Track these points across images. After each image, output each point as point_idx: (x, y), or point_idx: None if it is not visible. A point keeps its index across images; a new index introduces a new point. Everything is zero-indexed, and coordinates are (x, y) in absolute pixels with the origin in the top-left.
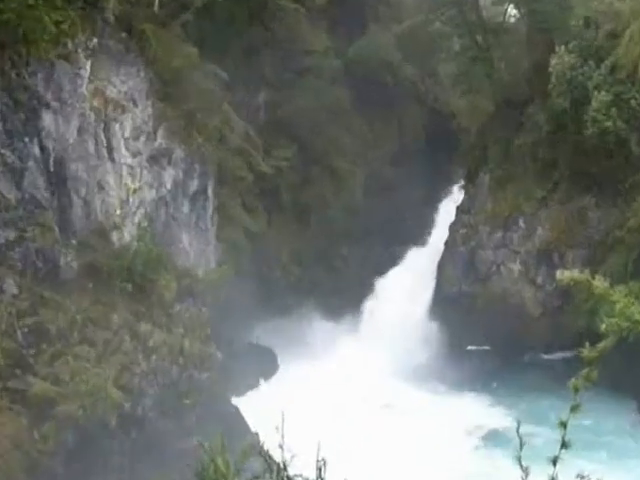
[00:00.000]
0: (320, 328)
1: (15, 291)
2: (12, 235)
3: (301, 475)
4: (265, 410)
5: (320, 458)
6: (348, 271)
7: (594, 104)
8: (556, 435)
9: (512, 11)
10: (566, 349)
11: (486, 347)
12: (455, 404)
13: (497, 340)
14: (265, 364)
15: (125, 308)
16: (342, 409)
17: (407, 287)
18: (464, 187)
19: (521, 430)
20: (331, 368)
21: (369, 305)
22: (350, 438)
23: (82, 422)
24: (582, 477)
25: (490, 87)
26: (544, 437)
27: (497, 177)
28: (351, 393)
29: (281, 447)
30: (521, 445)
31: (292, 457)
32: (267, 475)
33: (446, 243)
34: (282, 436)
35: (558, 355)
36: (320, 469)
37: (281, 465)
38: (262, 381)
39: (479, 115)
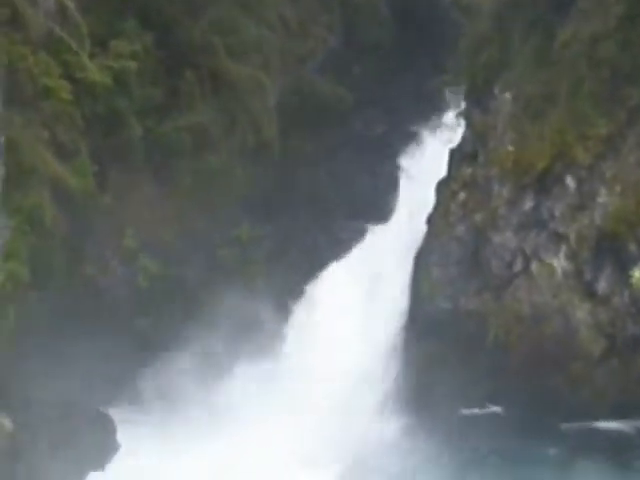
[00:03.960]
0: (195, 378)
1: None
2: None
3: None
4: None
5: None
6: (251, 268)
7: None
8: None
9: None
10: None
11: (496, 408)
12: None
13: (519, 397)
14: (95, 440)
15: None
16: None
17: (358, 299)
18: (465, 114)
19: None
20: (208, 445)
21: (292, 333)
22: None
23: None
24: None
25: None
26: None
27: (527, 96)
28: None
29: None
30: None
31: None
32: None
33: (430, 218)
34: None
35: (632, 423)
36: None
37: None
38: (90, 470)
39: None
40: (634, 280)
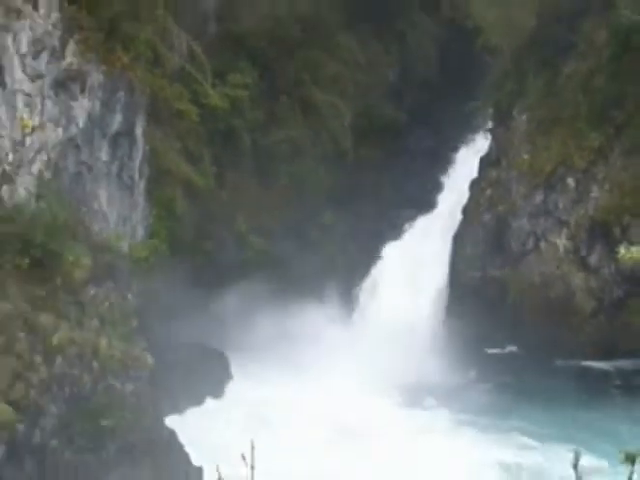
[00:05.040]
0: (291, 327)
1: None
2: None
3: None
4: (212, 436)
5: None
6: (330, 246)
7: None
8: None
9: None
10: (629, 356)
11: (513, 348)
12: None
13: (531, 341)
14: (214, 373)
15: (19, 292)
16: (311, 441)
17: (410, 270)
18: (491, 131)
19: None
20: (302, 382)
21: (361, 295)
22: None
23: None
24: None
25: None
26: None
27: (538, 118)
28: (327, 420)
29: None
30: None
31: None
32: None
33: (465, 209)
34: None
35: (614, 364)
36: None
37: None
38: (209, 396)
39: (515, 32)
40: (619, 256)
